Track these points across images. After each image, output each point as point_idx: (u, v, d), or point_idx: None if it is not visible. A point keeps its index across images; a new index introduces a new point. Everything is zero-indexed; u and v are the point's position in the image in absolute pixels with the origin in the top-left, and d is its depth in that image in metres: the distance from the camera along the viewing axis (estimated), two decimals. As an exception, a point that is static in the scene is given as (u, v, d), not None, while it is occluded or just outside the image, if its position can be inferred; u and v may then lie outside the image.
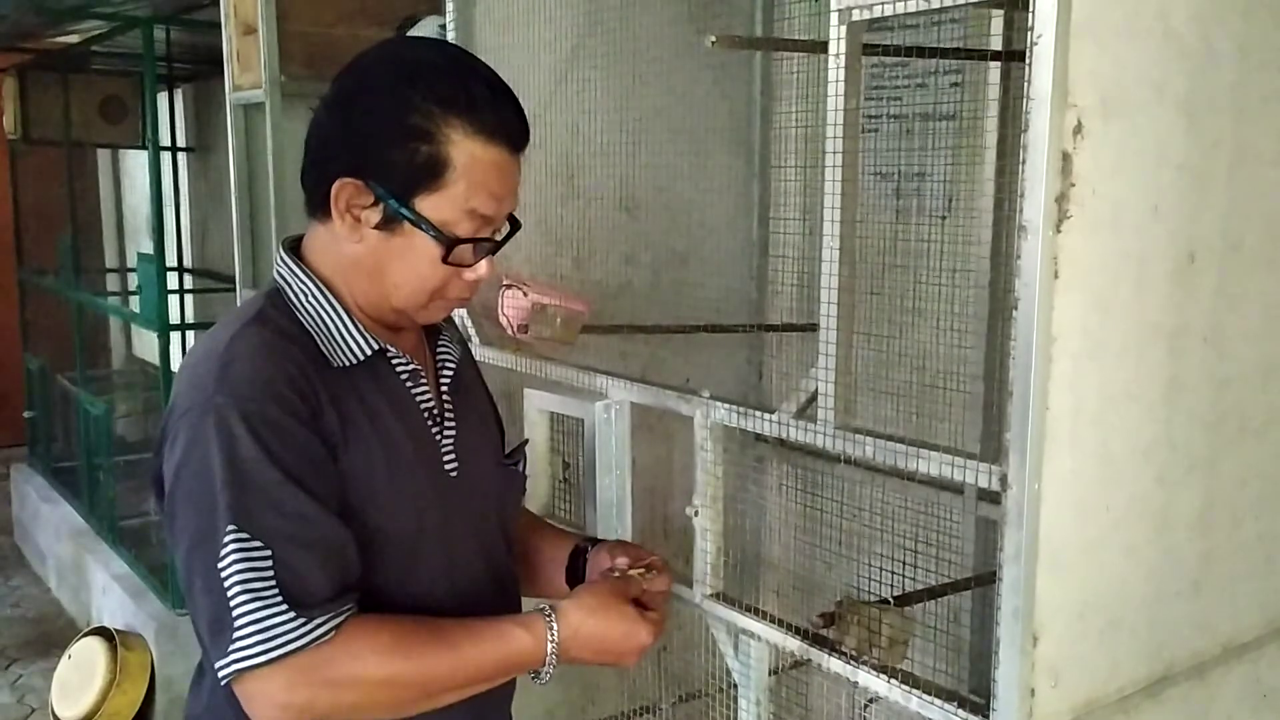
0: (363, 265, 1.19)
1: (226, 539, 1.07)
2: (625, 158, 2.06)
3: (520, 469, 1.40)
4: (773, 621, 1.37)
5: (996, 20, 1.82)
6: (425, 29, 2.26)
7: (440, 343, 1.32)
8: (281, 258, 1.23)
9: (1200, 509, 1.23)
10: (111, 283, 6.14)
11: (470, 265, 1.20)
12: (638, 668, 2.04)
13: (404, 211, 1.15)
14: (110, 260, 6.51)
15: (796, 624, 1.35)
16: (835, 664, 1.27)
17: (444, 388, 1.29)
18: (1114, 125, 1.05)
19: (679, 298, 2.22)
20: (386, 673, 1.12)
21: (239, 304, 2.97)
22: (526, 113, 1.89)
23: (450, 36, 1.89)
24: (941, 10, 1.12)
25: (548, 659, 1.18)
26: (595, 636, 1.21)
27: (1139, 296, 1.12)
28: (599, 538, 1.48)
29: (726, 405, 1.40)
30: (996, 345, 1.91)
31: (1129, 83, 1.06)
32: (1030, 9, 1.00)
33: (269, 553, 1.07)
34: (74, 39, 4.87)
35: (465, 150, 1.14)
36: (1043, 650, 1.08)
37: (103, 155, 6.49)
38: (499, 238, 1.23)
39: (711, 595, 1.45)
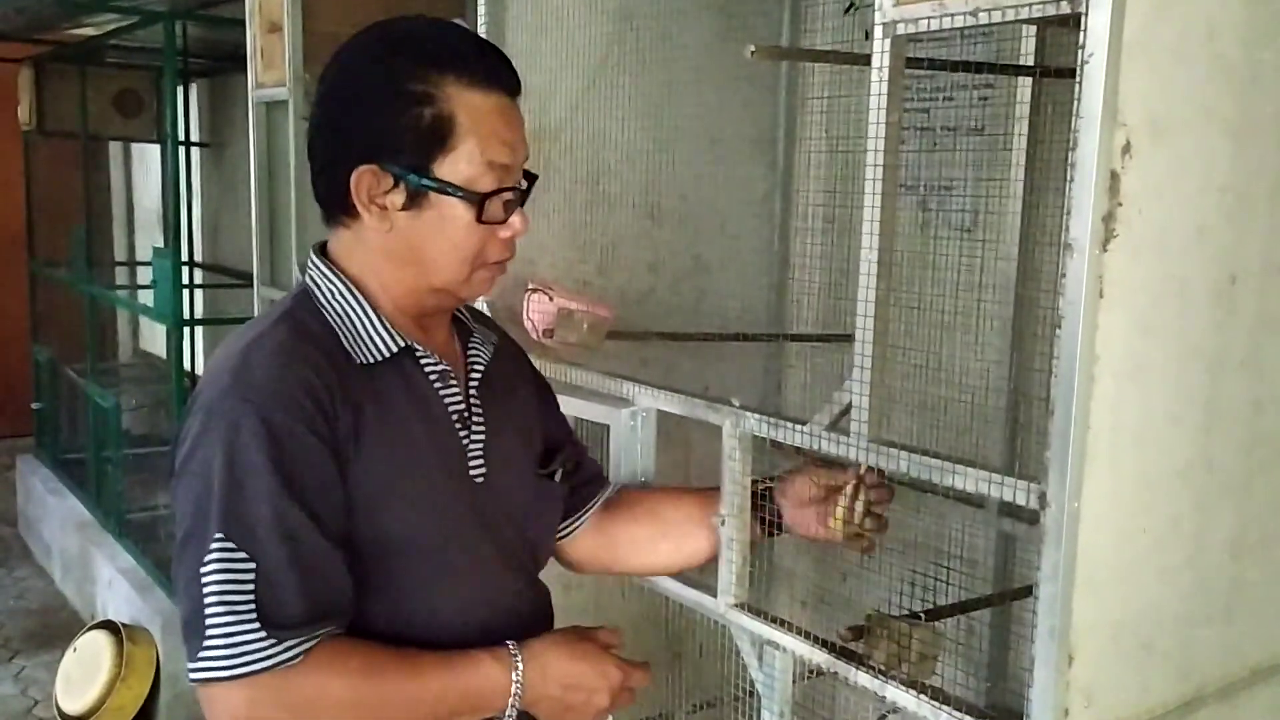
0: (395, 253, 1.18)
1: (213, 545, 1.04)
2: (651, 164, 2.06)
3: (556, 480, 1.36)
4: (798, 633, 1.37)
5: (1028, 33, 1.82)
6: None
7: (471, 343, 1.30)
8: (313, 259, 1.23)
9: (1234, 532, 1.23)
10: (120, 276, 6.15)
11: (504, 221, 1.19)
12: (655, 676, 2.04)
13: (426, 182, 1.14)
14: (120, 253, 6.52)
15: (822, 635, 1.34)
16: (863, 678, 1.27)
17: (472, 390, 1.27)
18: (1162, 146, 1.04)
19: (700, 305, 2.22)
20: (350, 697, 1.09)
21: (255, 301, 2.98)
22: (555, 117, 1.90)
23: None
24: (988, 26, 1.12)
25: (511, 696, 1.16)
26: (565, 673, 1.19)
27: (1181, 318, 1.12)
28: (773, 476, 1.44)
29: (757, 415, 1.40)
30: (1021, 360, 1.91)
31: (1177, 104, 1.06)
32: (1082, 28, 1.00)
33: (252, 566, 1.05)
34: (91, 31, 4.88)
35: (466, 103, 1.14)
36: (1077, 670, 1.07)
37: (114, 148, 6.50)
38: (521, 188, 1.21)
39: (736, 605, 1.44)
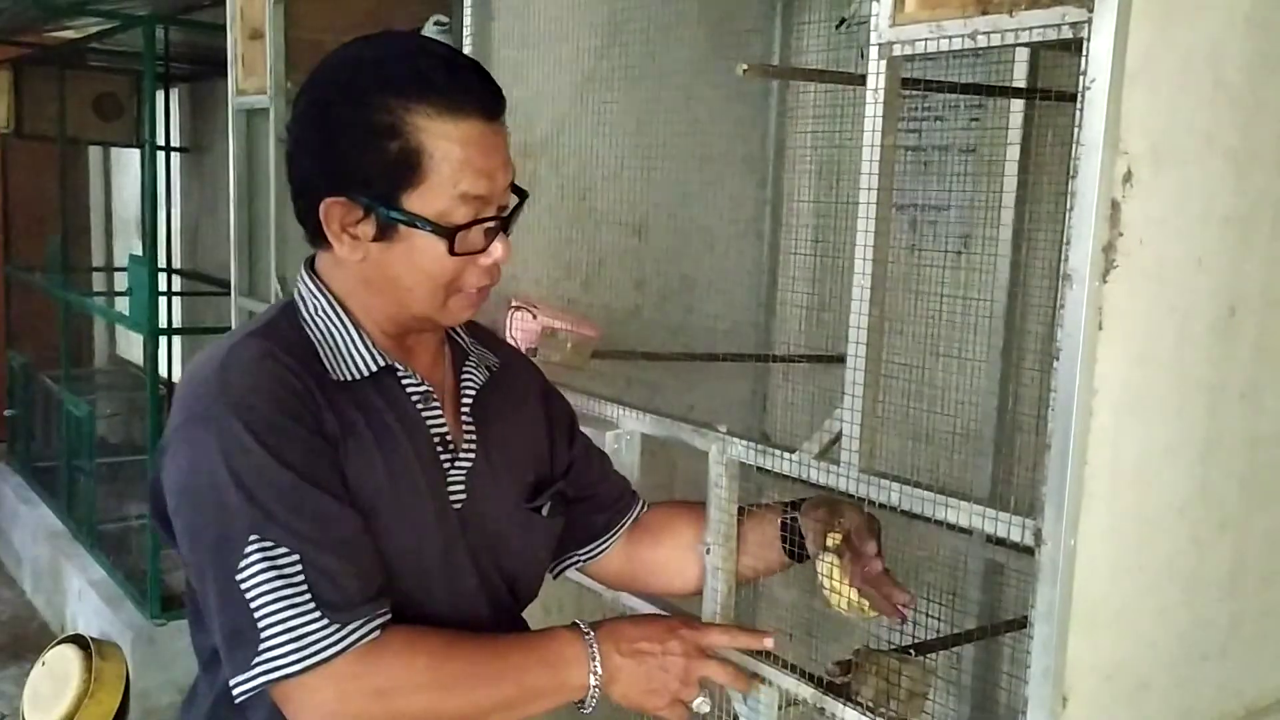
0: (372, 282, 1.16)
1: (249, 549, 1.03)
2: (639, 181, 2.03)
3: (543, 514, 1.31)
4: (785, 666, 1.33)
5: (1021, 54, 1.81)
6: (427, 30, 2.22)
7: (466, 366, 1.27)
8: (301, 274, 1.21)
9: (1231, 569, 1.20)
10: (98, 282, 6.08)
11: (483, 250, 1.15)
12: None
13: (395, 215, 1.10)
14: (97, 259, 6.45)
15: (809, 669, 1.31)
16: (850, 714, 1.23)
17: (464, 414, 1.24)
18: (1163, 174, 1.02)
19: (687, 324, 2.19)
20: (434, 677, 1.09)
21: (233, 311, 2.93)
22: (541, 132, 1.85)
23: (467, 51, 1.86)
24: (986, 49, 1.09)
25: (590, 663, 1.16)
26: (634, 636, 1.19)
27: (1180, 350, 1.09)
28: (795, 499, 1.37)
29: (744, 442, 1.36)
30: (1009, 387, 1.89)
31: (1180, 132, 1.04)
32: (1084, 53, 0.97)
33: (296, 558, 1.04)
34: (71, 34, 4.83)
35: (436, 133, 1.09)
36: (1072, 712, 1.04)
37: (93, 153, 6.44)
38: (505, 214, 1.17)
39: (720, 636, 1.41)
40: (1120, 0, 0.94)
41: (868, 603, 1.24)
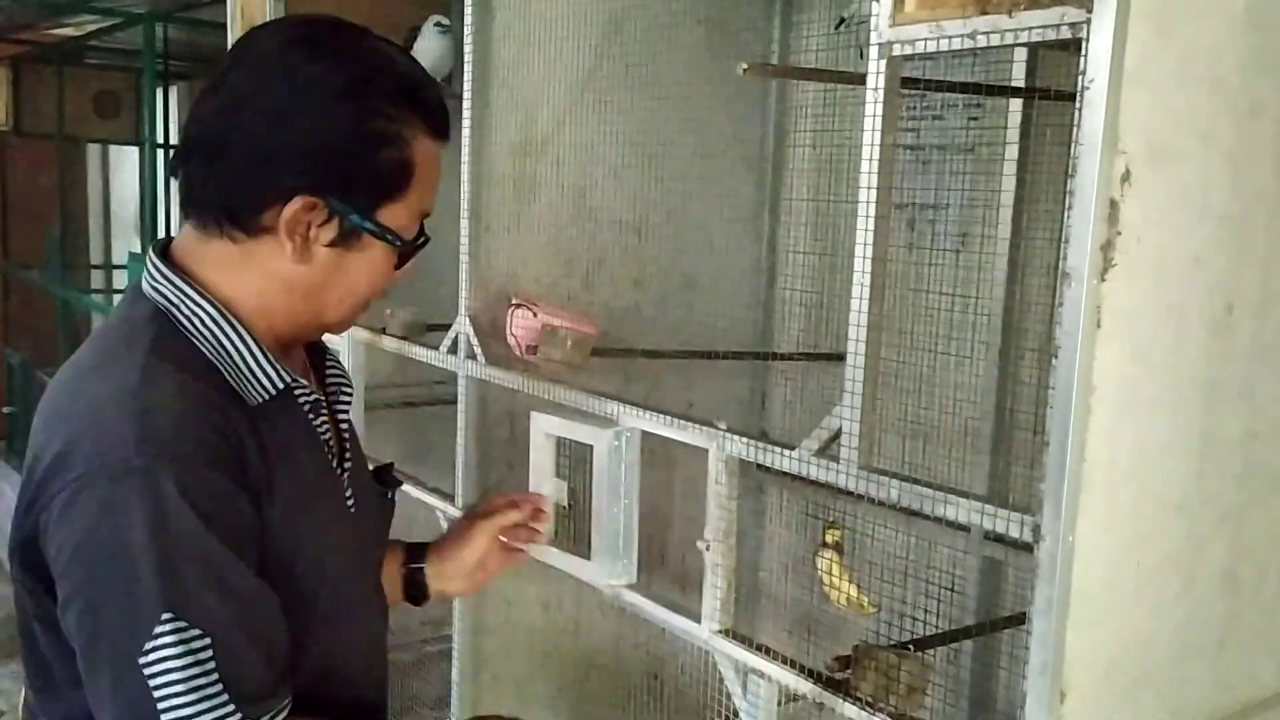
0: (298, 286, 1.05)
1: (161, 629, 0.91)
2: (638, 179, 2.04)
3: (392, 498, 1.31)
4: (784, 662, 1.34)
5: (1019, 54, 1.81)
6: (426, 31, 2.22)
7: (329, 365, 1.21)
8: (163, 271, 1.04)
9: (1227, 565, 1.21)
10: (96, 279, 6.08)
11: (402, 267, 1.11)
12: (635, 700, 2.01)
13: (368, 225, 1.03)
14: (96, 257, 6.45)
15: (808, 664, 1.32)
16: (850, 709, 1.24)
17: (341, 418, 1.18)
18: (1161, 174, 1.03)
19: (686, 322, 2.20)
20: None
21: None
22: (541, 130, 1.87)
23: (467, 49, 1.86)
24: (985, 49, 1.10)
25: None
26: None
27: (1177, 348, 1.10)
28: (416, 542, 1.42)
29: (744, 439, 1.37)
30: (1006, 384, 1.89)
31: (1177, 131, 1.04)
32: (1083, 53, 0.98)
33: (208, 641, 0.93)
34: (70, 31, 4.83)
35: (423, 151, 1.06)
36: (1070, 706, 1.05)
37: (92, 150, 6.44)
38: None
39: (720, 632, 1.42)
40: (1119, 1, 0.95)
41: (867, 599, 1.25)
